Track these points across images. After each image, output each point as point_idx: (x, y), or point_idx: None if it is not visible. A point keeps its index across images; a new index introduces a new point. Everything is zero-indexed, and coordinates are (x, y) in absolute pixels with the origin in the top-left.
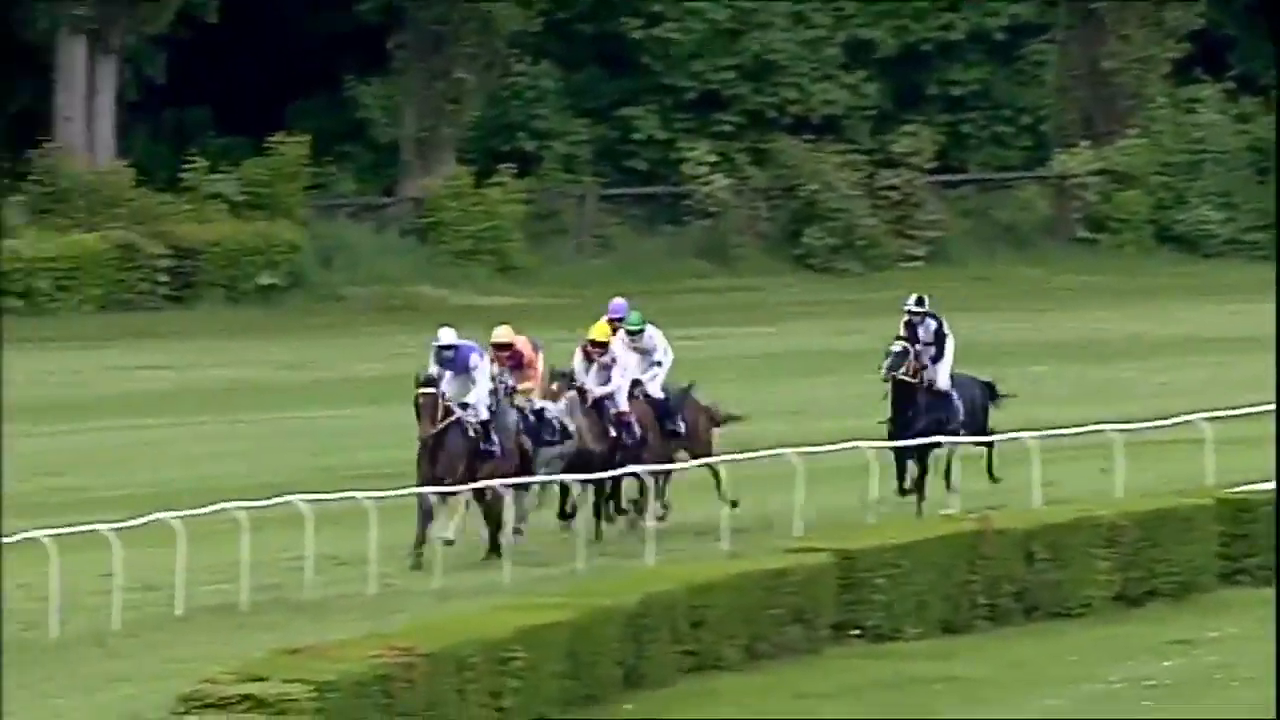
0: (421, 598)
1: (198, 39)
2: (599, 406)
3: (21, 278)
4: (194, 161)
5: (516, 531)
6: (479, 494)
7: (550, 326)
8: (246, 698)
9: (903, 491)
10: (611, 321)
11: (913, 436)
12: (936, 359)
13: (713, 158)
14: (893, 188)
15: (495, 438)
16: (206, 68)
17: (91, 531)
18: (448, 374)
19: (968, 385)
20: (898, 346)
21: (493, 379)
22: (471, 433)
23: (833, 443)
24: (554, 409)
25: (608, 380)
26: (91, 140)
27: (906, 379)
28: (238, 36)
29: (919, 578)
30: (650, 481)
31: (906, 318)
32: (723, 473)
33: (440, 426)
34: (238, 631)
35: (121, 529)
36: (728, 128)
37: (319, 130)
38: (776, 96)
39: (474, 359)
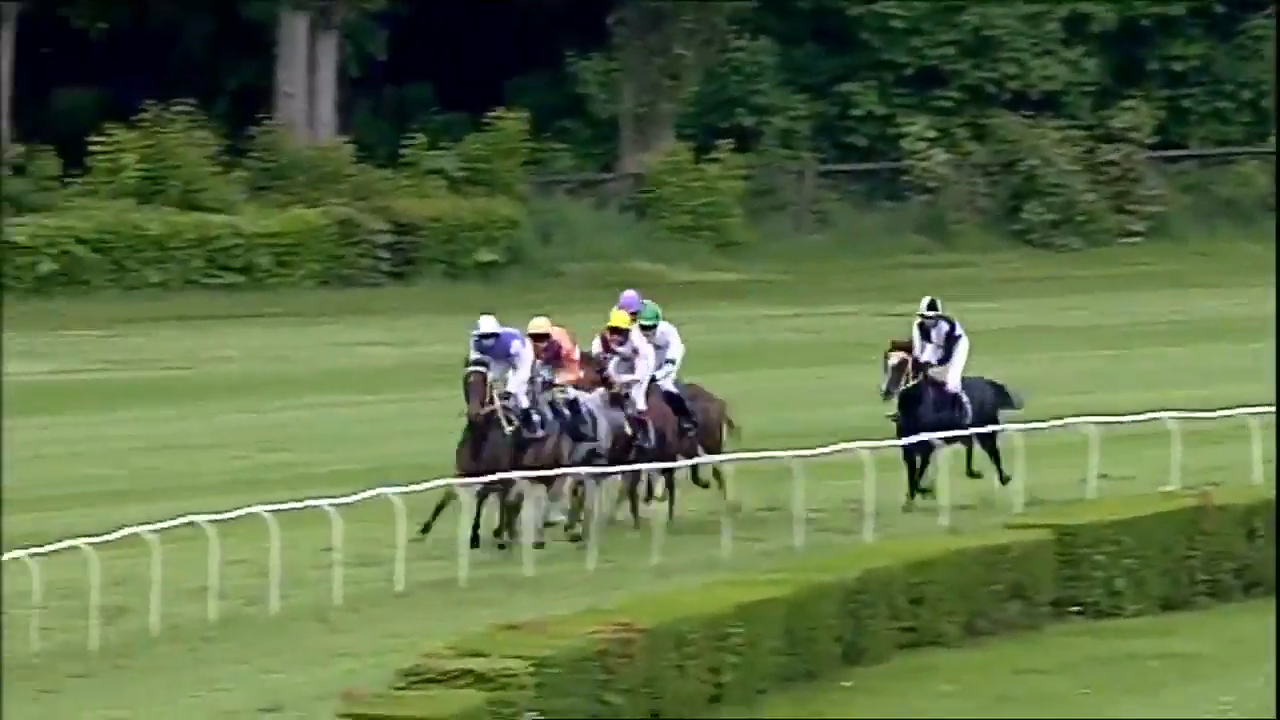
0: (640, 574)
1: (418, 16)
2: (620, 400)
3: (242, 253)
4: (414, 138)
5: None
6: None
7: (768, 303)
8: (466, 672)
9: (916, 493)
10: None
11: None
12: (945, 360)
13: (932, 133)
14: (1112, 163)
15: (536, 418)
16: (427, 44)
17: (312, 507)
18: (489, 360)
19: (979, 387)
20: (895, 359)
21: (532, 371)
22: (512, 425)
23: (1055, 418)
24: (588, 400)
25: (631, 370)
26: (312, 116)
27: (910, 388)
28: (458, 13)
29: (1139, 554)
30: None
31: (919, 321)
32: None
33: (484, 412)
34: (457, 607)
35: (341, 504)
36: (947, 103)
37: (538, 106)
38: (996, 72)
39: (515, 345)
